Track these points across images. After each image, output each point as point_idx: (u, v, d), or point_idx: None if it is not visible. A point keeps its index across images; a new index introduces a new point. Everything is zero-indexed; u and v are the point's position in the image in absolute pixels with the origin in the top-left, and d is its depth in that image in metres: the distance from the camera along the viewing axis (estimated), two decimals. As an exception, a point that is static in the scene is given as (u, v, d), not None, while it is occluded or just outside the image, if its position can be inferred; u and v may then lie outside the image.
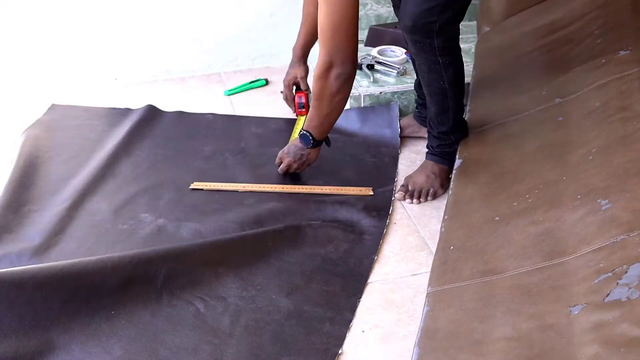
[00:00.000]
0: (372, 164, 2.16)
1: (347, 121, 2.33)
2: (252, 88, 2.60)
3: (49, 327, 1.55)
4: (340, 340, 1.57)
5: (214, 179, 2.10)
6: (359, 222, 1.91)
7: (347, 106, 2.36)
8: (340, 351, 1.55)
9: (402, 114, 2.40)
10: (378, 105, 2.37)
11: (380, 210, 1.96)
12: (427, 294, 1.58)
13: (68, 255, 1.79)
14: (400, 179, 2.10)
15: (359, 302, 1.68)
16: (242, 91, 2.57)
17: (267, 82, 2.65)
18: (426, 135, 2.11)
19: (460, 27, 1.90)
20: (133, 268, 1.66)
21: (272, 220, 1.91)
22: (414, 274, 1.76)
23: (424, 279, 1.69)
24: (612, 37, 2.04)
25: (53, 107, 2.55)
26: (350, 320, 1.62)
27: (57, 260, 1.76)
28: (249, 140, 2.28)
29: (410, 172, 2.09)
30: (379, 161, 2.17)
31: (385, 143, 2.26)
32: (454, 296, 1.53)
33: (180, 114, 2.44)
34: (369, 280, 1.74)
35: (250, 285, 1.71)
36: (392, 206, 1.98)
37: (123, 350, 1.52)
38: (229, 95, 2.55)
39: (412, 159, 2.19)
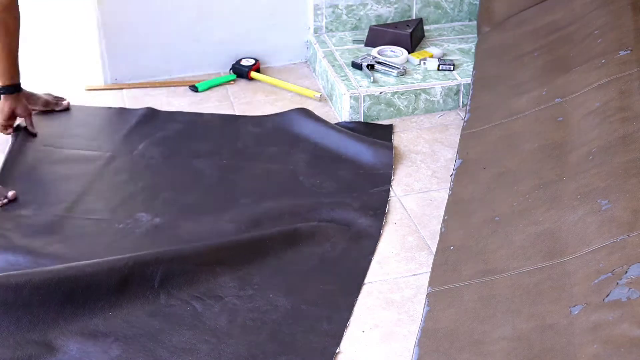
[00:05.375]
0: (370, 163, 2.15)
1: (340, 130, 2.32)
2: (221, 83, 2.58)
3: (47, 329, 1.55)
4: (338, 339, 1.56)
5: (210, 179, 2.10)
6: (356, 222, 1.91)
7: (348, 118, 2.35)
8: (337, 350, 1.54)
9: (402, 114, 2.39)
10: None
11: (377, 209, 1.95)
12: (427, 294, 1.58)
13: (65, 254, 1.78)
14: (397, 179, 2.09)
15: (356, 300, 1.67)
16: (213, 86, 2.55)
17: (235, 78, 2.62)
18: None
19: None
20: (129, 269, 1.66)
21: (269, 219, 1.91)
22: (414, 274, 1.76)
23: (424, 279, 1.69)
24: (612, 37, 2.03)
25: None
26: (347, 319, 1.61)
27: (55, 260, 1.75)
28: (246, 140, 2.28)
29: (409, 172, 2.08)
30: (376, 160, 2.16)
31: (382, 143, 2.25)
32: (454, 296, 1.53)
33: (179, 113, 2.43)
34: (369, 280, 1.74)
35: (247, 285, 1.70)
36: (389, 206, 1.98)
37: (121, 350, 1.52)
38: (203, 91, 2.53)
39: (413, 159, 2.19)
